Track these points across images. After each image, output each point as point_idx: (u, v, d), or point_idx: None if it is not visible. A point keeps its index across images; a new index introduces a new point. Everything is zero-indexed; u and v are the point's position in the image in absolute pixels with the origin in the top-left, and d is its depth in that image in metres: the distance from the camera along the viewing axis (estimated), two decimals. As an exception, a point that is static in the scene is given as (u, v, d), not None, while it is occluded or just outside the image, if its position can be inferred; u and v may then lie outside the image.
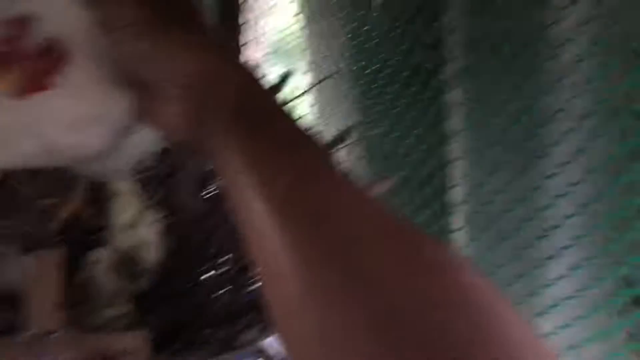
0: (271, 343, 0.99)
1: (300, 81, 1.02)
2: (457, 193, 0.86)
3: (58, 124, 0.49)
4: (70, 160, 0.58)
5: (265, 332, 0.59)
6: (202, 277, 0.88)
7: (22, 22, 0.41)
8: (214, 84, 0.43)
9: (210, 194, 0.98)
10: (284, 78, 0.98)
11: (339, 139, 0.91)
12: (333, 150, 0.92)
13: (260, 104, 0.43)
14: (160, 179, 0.99)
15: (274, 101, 0.45)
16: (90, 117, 0.50)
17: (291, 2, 0.97)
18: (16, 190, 0.91)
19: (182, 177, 0.94)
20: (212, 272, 0.86)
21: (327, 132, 1.00)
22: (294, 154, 0.42)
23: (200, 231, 0.91)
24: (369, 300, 0.33)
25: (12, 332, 0.57)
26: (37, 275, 0.46)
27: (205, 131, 0.43)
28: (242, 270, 0.83)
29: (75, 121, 0.50)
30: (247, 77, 0.44)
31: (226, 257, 0.87)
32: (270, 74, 1.07)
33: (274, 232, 0.38)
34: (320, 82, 0.93)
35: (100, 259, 0.79)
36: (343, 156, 0.98)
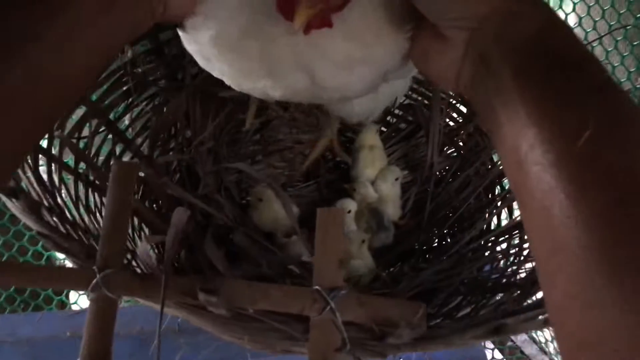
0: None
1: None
2: None
3: (328, 62, 0.49)
4: (332, 98, 0.59)
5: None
6: (443, 242, 0.85)
7: None
8: (509, 27, 0.39)
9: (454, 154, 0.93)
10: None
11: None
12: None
13: (562, 48, 0.38)
14: (405, 135, 0.97)
15: (577, 43, 0.38)
16: (360, 58, 0.49)
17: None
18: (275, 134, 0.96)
19: (426, 134, 0.91)
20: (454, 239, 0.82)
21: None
22: (600, 101, 0.35)
23: (443, 194, 0.87)
24: None
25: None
26: (323, 230, 0.46)
27: (486, 80, 0.40)
28: (491, 243, 0.78)
29: (345, 61, 0.49)
30: (549, 18, 0.39)
31: (470, 224, 0.83)
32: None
33: (568, 200, 0.32)
34: (598, 39, 0.81)
35: (348, 208, 0.80)
36: None
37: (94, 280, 0.45)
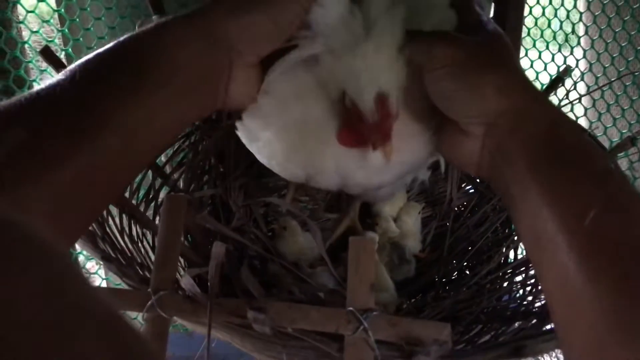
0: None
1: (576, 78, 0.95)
2: None
3: (365, 170, 0.54)
4: (360, 190, 0.65)
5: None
6: (462, 275, 0.89)
7: (383, 100, 0.45)
8: (522, 122, 0.44)
9: (471, 190, 0.98)
10: (562, 75, 0.93)
11: (625, 145, 0.84)
12: (616, 157, 0.84)
13: (568, 141, 0.44)
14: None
15: (582, 136, 0.43)
16: (393, 162, 0.51)
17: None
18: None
19: (445, 171, 0.96)
20: (471, 272, 0.86)
21: (609, 135, 0.92)
22: (602, 185, 0.40)
23: (462, 228, 0.92)
24: None
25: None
26: (356, 258, 0.51)
27: (503, 168, 0.45)
28: (509, 275, 0.82)
29: (379, 168, 0.53)
30: (556, 115, 0.46)
31: (487, 257, 0.87)
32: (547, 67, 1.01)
33: (578, 269, 0.37)
34: (608, 84, 0.86)
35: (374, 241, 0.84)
36: (625, 163, 0.89)
37: (150, 302, 0.50)
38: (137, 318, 0.54)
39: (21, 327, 0.20)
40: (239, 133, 0.59)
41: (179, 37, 0.44)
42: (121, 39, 0.43)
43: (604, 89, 0.86)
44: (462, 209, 0.96)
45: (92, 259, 0.97)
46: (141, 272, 0.61)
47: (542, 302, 0.73)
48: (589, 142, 0.45)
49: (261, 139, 0.55)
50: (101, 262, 0.54)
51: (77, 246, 0.56)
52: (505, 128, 0.45)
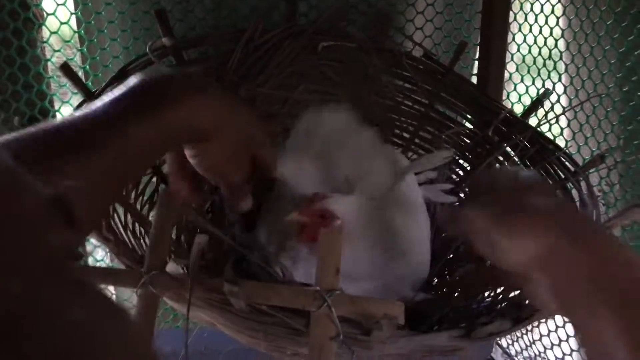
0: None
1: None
2: None
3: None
4: None
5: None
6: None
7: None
8: (564, 264, 0.47)
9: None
10: (541, 98, 1.00)
11: (595, 161, 0.90)
12: (588, 172, 0.90)
13: (615, 277, 0.46)
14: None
15: (630, 264, 0.46)
16: None
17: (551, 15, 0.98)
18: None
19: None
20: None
21: (582, 153, 0.98)
22: None
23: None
24: None
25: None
26: (325, 247, 0.58)
27: (565, 301, 0.48)
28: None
29: None
30: (594, 253, 0.47)
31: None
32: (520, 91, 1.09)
33: None
34: (581, 104, 0.92)
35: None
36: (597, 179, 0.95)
37: (142, 279, 0.58)
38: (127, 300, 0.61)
39: None
40: None
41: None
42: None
43: (576, 109, 0.92)
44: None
45: (100, 246, 1.05)
46: (137, 258, 0.69)
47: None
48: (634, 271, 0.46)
49: None
50: (104, 246, 0.62)
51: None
52: (549, 272, 0.47)
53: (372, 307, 0.54)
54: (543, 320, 1.05)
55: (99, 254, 1.07)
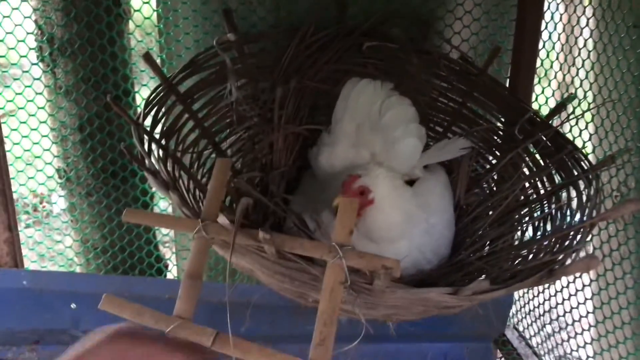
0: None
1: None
2: None
3: None
4: None
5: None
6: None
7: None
8: None
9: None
10: (565, 101, 1.09)
11: (607, 161, 0.98)
12: (602, 170, 0.98)
13: None
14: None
15: None
16: None
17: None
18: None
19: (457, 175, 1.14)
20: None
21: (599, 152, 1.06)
22: None
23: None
24: None
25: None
26: (342, 212, 0.72)
27: None
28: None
29: None
30: None
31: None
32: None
33: None
34: (600, 105, 1.01)
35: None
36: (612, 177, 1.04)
37: (197, 227, 0.73)
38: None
39: None
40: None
41: None
42: None
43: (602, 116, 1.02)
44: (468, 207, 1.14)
45: (164, 198, 1.22)
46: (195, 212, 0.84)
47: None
48: None
49: None
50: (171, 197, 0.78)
51: (154, 188, 0.81)
52: None
53: (375, 260, 0.67)
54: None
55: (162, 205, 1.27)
